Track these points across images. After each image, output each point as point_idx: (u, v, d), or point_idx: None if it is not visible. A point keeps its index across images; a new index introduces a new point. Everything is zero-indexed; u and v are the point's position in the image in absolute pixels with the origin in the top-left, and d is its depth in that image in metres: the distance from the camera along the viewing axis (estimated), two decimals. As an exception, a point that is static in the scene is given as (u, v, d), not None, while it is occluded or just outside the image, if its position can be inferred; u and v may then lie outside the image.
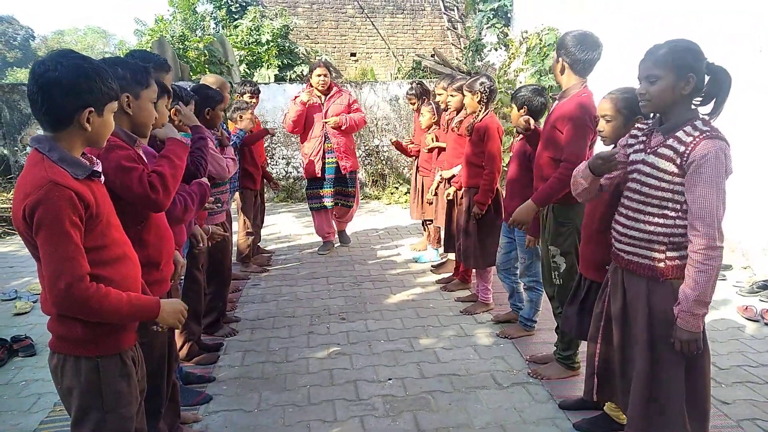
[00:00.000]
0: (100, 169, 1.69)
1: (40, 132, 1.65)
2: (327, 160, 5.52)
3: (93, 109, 1.58)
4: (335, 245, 6.08)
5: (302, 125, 5.51)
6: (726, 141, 1.90)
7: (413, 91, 5.43)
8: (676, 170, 1.95)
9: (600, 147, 2.89)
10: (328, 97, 5.48)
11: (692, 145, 1.90)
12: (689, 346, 1.97)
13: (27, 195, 1.51)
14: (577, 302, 2.67)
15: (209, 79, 4.21)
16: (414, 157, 5.55)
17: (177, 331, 3.17)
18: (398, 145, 5.51)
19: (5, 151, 8.21)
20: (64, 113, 1.56)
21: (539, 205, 3.02)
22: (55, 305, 1.57)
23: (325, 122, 5.39)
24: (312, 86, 5.45)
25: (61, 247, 1.51)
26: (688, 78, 1.92)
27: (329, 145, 5.48)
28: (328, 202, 5.64)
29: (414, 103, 5.47)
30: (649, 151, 2.05)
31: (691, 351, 1.98)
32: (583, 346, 3.10)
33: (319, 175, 5.52)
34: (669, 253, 2.02)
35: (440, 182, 4.75)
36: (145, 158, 2.07)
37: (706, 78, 1.97)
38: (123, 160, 1.90)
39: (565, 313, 2.78)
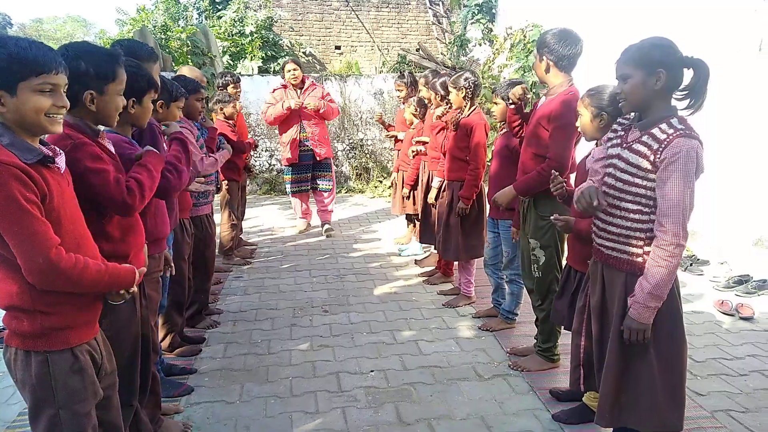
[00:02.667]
0: (60, 162, 1.63)
1: None
2: (303, 148, 5.92)
3: None
4: (325, 231, 6.33)
5: (281, 120, 5.94)
6: (699, 140, 1.92)
7: (404, 79, 5.43)
8: (649, 166, 1.97)
9: (584, 145, 2.94)
10: (303, 89, 5.90)
11: (665, 142, 1.92)
12: (637, 335, 2.02)
13: None
14: (568, 295, 2.68)
15: (185, 70, 4.19)
16: (394, 142, 5.67)
17: (160, 323, 3.15)
18: (381, 121, 5.85)
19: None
20: None
21: (518, 193, 3.14)
22: (38, 282, 1.54)
23: (305, 105, 5.75)
24: (287, 81, 5.87)
25: (25, 224, 1.48)
26: (657, 73, 1.94)
27: (305, 134, 5.89)
28: (305, 186, 6.14)
29: (401, 90, 5.47)
30: (624, 146, 2.07)
31: (639, 340, 2.03)
32: (563, 339, 3.16)
33: (297, 162, 5.94)
34: (647, 248, 2.04)
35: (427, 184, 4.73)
36: (111, 147, 1.99)
37: (688, 72, 1.98)
38: (88, 161, 1.81)
39: (555, 306, 2.80)
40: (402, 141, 5.37)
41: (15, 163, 1.48)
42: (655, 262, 1.96)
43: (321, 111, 5.78)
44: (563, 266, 2.92)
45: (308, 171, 6.04)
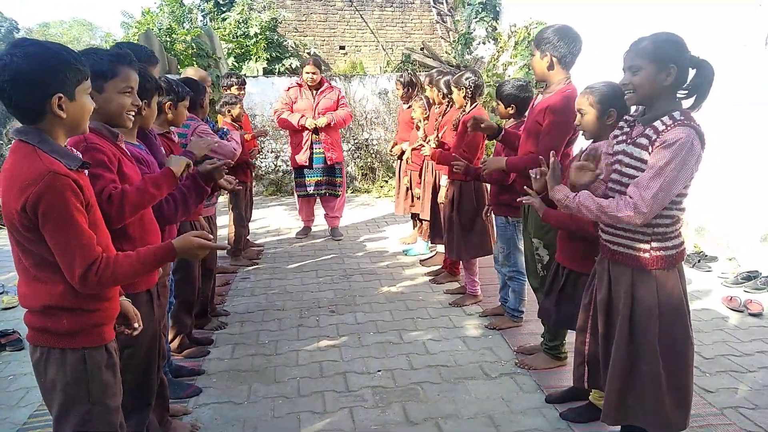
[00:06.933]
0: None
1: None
2: (315, 151, 5.84)
3: (62, 95, 1.52)
4: (328, 236, 6.24)
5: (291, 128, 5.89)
6: (696, 129, 1.92)
7: (402, 79, 5.43)
8: (649, 157, 1.97)
9: (582, 142, 2.92)
10: (319, 91, 5.79)
11: (663, 132, 1.94)
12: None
13: (25, 187, 1.47)
14: (555, 292, 2.71)
15: (189, 72, 4.21)
16: (399, 158, 5.56)
17: (170, 325, 3.17)
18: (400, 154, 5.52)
19: (-10, 145, 8.11)
20: (34, 104, 1.51)
21: (507, 168, 3.20)
22: (82, 289, 1.58)
23: (316, 124, 5.67)
24: (303, 81, 5.77)
25: (71, 235, 1.52)
26: (669, 69, 1.94)
27: (317, 137, 5.78)
28: (314, 190, 5.99)
29: (399, 90, 5.47)
30: (629, 141, 2.08)
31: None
32: (570, 337, 3.15)
33: (307, 165, 5.85)
34: (654, 244, 2.05)
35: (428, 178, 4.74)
36: (128, 152, 2.02)
37: (691, 71, 1.99)
38: (94, 166, 1.83)
39: (543, 304, 2.82)
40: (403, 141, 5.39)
41: (67, 173, 1.51)
42: (604, 203, 2.02)
43: (332, 124, 5.70)
44: (552, 264, 2.92)
45: (317, 175, 5.90)
